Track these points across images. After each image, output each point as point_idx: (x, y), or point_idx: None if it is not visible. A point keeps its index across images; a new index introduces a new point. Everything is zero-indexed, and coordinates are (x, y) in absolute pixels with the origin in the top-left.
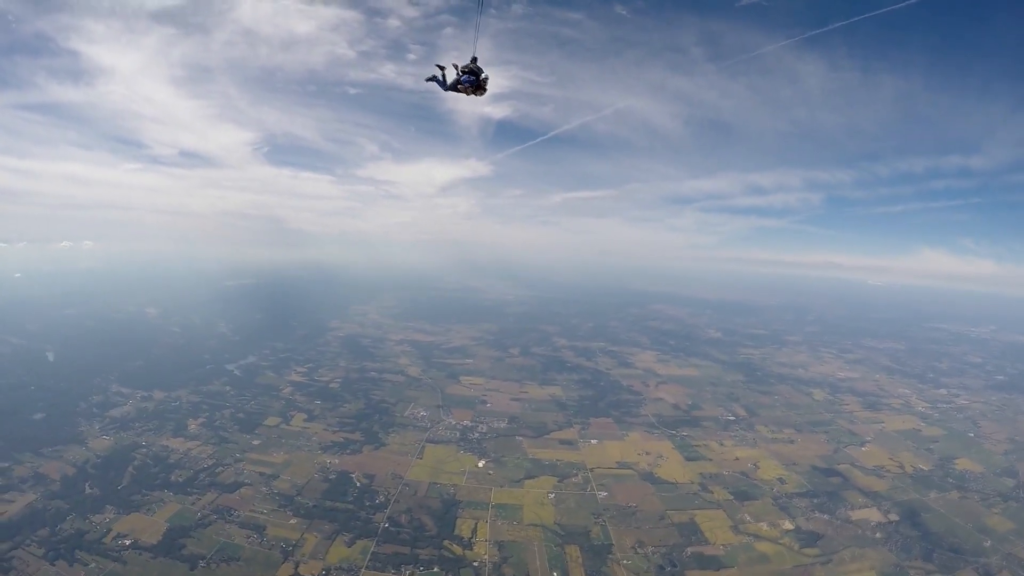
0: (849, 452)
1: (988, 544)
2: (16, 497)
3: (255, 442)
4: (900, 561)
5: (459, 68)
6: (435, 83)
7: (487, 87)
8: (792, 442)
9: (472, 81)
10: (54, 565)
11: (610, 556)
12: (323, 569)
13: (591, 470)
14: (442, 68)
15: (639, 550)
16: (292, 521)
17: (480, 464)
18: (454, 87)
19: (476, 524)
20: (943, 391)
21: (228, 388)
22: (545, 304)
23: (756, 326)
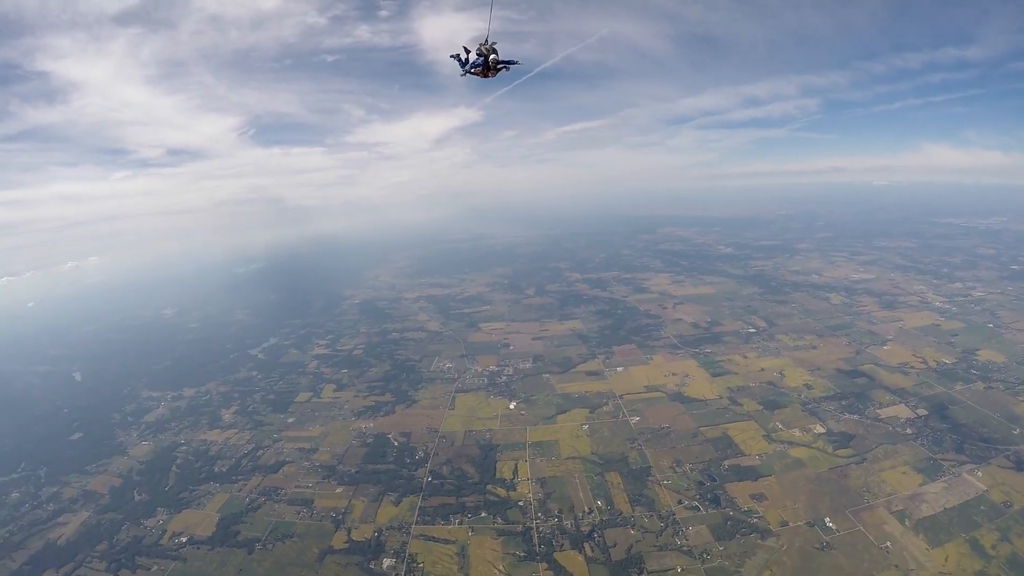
0: (871, 352)
1: (1017, 432)
2: (69, 519)
3: (290, 420)
4: (932, 455)
5: (474, 51)
6: (457, 62)
7: (497, 67)
8: (814, 348)
9: (480, 63)
10: (118, 575)
11: (650, 478)
12: (375, 531)
13: (620, 397)
14: (467, 51)
15: (677, 469)
16: (338, 490)
17: (511, 406)
18: (469, 70)
19: (516, 465)
20: (959, 285)
21: (255, 373)
22: (554, 241)
23: (766, 238)
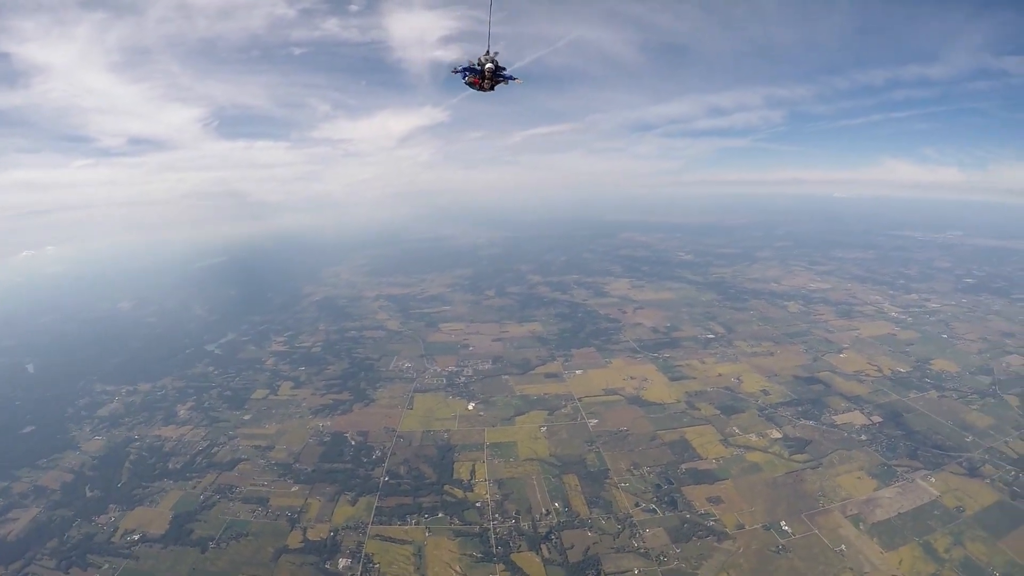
0: (828, 360)
1: (970, 439)
2: (19, 514)
3: (246, 417)
4: (887, 460)
5: (475, 62)
6: (461, 77)
7: (495, 78)
8: (772, 354)
9: (477, 72)
10: (68, 573)
11: (607, 480)
12: (331, 530)
13: (579, 400)
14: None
15: (635, 472)
16: (294, 489)
17: (470, 407)
18: (465, 79)
19: (473, 466)
20: (914, 296)
21: (212, 368)
22: (516, 244)
23: (726, 245)
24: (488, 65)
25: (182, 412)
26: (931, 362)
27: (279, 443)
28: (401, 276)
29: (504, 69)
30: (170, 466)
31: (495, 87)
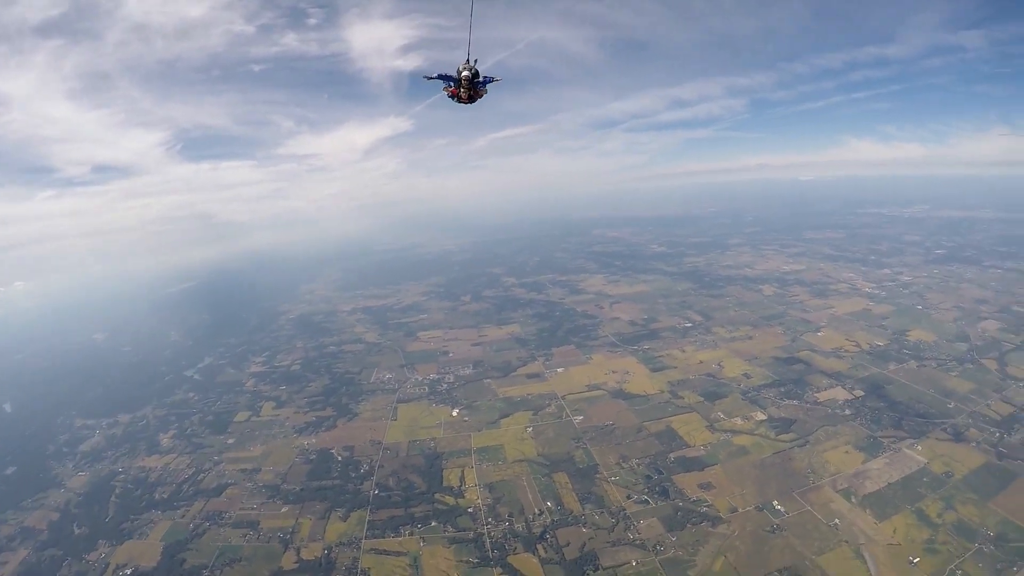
0: (806, 339)
1: (952, 405)
2: (8, 557)
3: (230, 441)
4: (872, 433)
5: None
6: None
7: (473, 87)
8: (750, 338)
9: (453, 82)
10: None
11: (597, 476)
12: (324, 548)
13: (563, 398)
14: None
15: (624, 464)
16: (284, 509)
17: (454, 413)
18: (450, 95)
19: (463, 472)
20: (886, 271)
21: (192, 394)
22: (488, 247)
23: (697, 235)
24: (464, 73)
25: (165, 441)
26: (908, 333)
27: (265, 464)
28: (375, 288)
29: (490, 79)
30: (157, 496)
31: (475, 99)
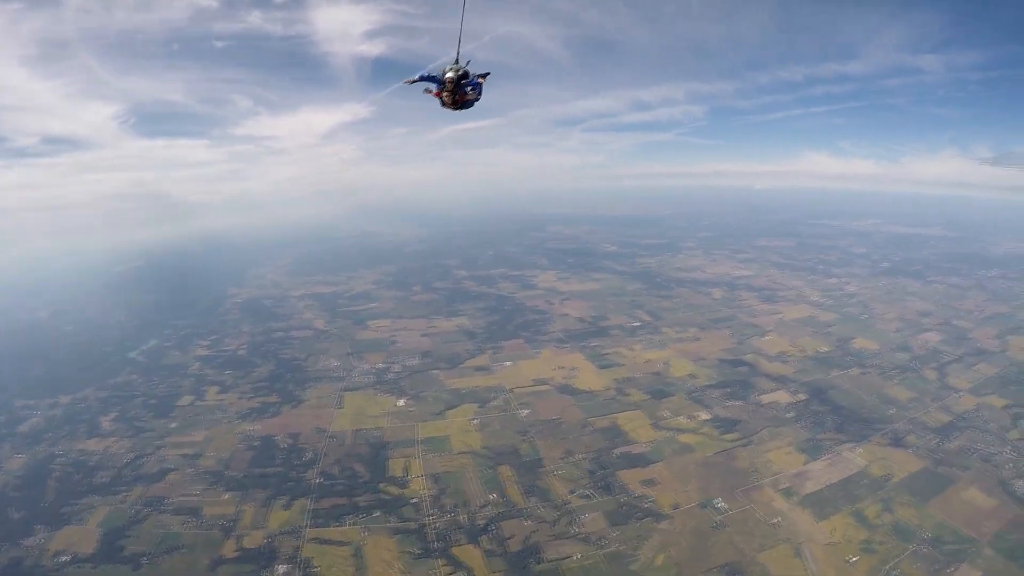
0: (752, 343)
1: (892, 412)
2: None
3: (172, 425)
4: (814, 435)
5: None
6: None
7: (459, 90)
8: (698, 339)
9: (437, 82)
10: None
11: (542, 469)
12: (266, 537)
13: (510, 391)
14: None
15: (568, 459)
16: (225, 496)
17: (400, 403)
18: (429, 90)
19: (407, 462)
20: (834, 280)
21: (135, 376)
22: (443, 239)
23: (651, 236)
24: (448, 74)
25: (106, 423)
26: (852, 341)
27: (208, 450)
28: (327, 274)
29: (476, 79)
30: (96, 481)
31: (463, 105)
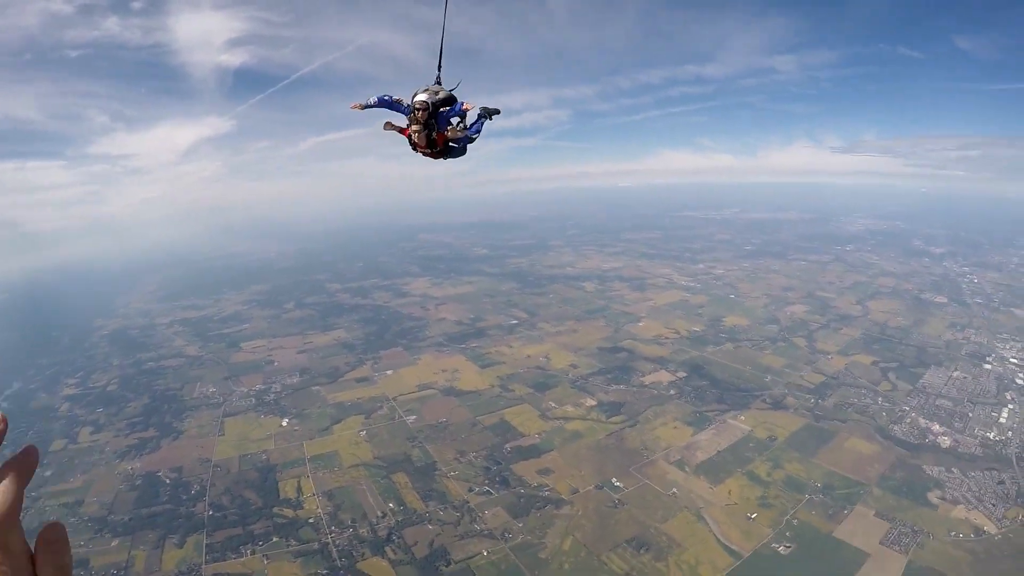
0: (628, 329)
1: (769, 379)
2: None
3: (47, 473)
4: (697, 408)
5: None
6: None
7: (429, 126)
8: (575, 331)
9: (404, 112)
10: None
11: (437, 472)
12: None
13: (394, 399)
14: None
15: (462, 459)
16: (114, 543)
17: (284, 423)
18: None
19: (299, 482)
20: (701, 266)
21: None
22: (311, 255)
23: (521, 238)
24: (420, 96)
25: None
26: (723, 319)
27: (88, 496)
28: (195, 298)
29: (460, 104)
30: None
31: (447, 152)
